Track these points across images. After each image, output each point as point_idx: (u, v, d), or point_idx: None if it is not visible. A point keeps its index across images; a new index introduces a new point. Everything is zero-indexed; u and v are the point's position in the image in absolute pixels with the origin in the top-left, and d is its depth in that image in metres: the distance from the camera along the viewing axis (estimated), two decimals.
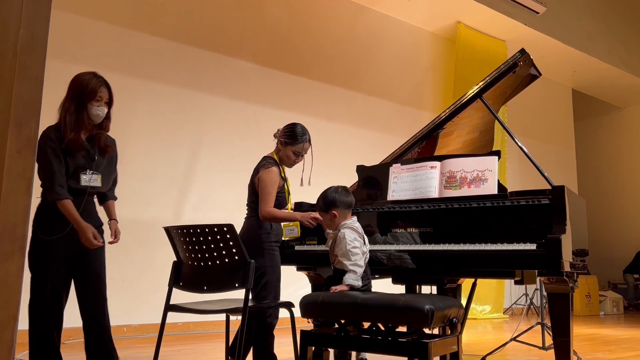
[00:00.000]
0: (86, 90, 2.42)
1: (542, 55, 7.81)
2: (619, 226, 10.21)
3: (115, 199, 2.78)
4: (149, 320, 5.01)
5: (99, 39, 5.12)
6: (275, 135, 3.13)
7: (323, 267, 3.11)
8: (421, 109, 7.59)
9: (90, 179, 2.45)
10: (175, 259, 2.61)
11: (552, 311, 2.49)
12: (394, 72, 7.48)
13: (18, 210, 2.00)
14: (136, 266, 5.07)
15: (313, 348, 2.37)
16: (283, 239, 2.99)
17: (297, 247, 3.04)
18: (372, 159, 3.37)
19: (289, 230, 3.00)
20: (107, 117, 2.53)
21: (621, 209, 10.39)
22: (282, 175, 3.00)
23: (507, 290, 8.04)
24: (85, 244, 2.39)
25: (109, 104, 2.52)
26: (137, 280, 5.05)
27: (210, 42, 5.86)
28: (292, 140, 3.02)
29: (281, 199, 2.94)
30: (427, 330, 2.34)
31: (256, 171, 2.99)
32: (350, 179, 3.46)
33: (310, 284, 3.24)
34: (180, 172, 5.52)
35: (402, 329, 2.37)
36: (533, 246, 2.34)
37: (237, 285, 2.37)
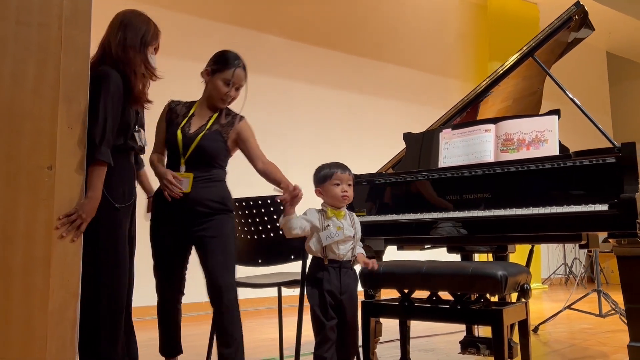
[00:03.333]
0: (150, 31, 2.04)
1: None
2: None
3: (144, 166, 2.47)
4: (189, 299, 5.00)
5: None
6: (201, 74, 2.46)
7: (372, 239, 3.02)
8: (451, 77, 7.39)
9: (144, 139, 2.12)
10: None
11: (623, 275, 2.36)
12: (423, 41, 7.28)
13: (73, 186, 1.96)
14: None
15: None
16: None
17: None
18: (405, 129, 3.24)
19: (182, 184, 2.23)
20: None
21: None
22: (189, 112, 2.39)
23: (544, 261, 7.89)
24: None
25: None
26: None
27: (238, 18, 5.75)
28: (221, 65, 2.39)
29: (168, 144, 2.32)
30: (492, 299, 2.25)
31: None
32: (386, 150, 3.36)
33: None
34: None
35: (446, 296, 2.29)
36: (605, 207, 2.22)
37: (293, 257, 2.32)
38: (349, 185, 2.19)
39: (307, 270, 2.18)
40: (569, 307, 3.82)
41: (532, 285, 7.25)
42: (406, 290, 2.21)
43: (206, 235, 2.18)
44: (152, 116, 2.41)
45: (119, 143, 1.98)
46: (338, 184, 2.16)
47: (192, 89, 5.66)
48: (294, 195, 2.08)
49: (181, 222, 2.21)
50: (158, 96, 2.26)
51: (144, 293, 4.91)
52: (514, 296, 2.42)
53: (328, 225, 2.11)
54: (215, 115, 2.41)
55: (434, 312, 2.15)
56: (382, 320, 2.76)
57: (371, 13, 6.80)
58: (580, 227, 2.32)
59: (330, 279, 2.06)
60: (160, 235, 2.28)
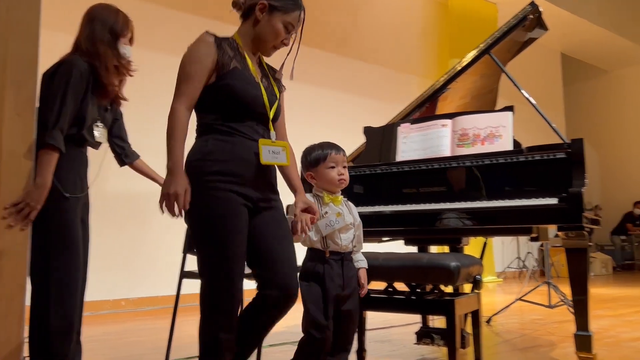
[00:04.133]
0: (119, 22, 1.98)
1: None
2: (606, 189, 10.32)
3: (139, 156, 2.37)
4: (147, 293, 4.94)
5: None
6: (239, 2, 1.80)
7: None
8: (412, 73, 7.49)
9: (101, 135, 2.03)
10: None
11: (570, 267, 2.46)
12: (385, 37, 7.34)
13: (21, 175, 1.89)
14: (131, 240, 4.97)
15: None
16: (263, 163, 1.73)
17: None
18: (364, 124, 3.27)
19: (269, 154, 1.76)
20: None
21: (608, 173, 10.50)
22: (236, 56, 1.76)
23: (499, 255, 8.11)
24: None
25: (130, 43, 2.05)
26: (133, 253, 4.95)
27: (198, 7, 5.65)
28: (288, 3, 1.77)
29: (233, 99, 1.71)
30: (446, 291, 2.30)
31: None
32: (345, 145, 3.36)
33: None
34: (159, 140, 5.38)
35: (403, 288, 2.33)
36: (554, 200, 2.29)
37: None
38: (344, 167, 1.95)
39: (302, 264, 1.90)
40: (520, 299, 3.94)
41: (487, 279, 7.48)
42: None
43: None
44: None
45: (72, 133, 1.91)
46: (333, 167, 1.92)
47: (149, 77, 5.54)
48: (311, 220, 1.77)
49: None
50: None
51: (98, 287, 4.81)
52: (468, 288, 2.48)
53: (326, 212, 1.86)
54: (265, 66, 1.94)
55: (389, 303, 2.18)
56: None
57: (334, 8, 6.81)
58: (530, 220, 2.39)
59: (333, 273, 1.83)
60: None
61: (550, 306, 3.78)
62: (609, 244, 10.02)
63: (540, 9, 3.04)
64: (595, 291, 6.26)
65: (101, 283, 4.68)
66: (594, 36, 9.08)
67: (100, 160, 2.15)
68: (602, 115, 10.78)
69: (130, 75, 2.01)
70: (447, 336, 1.97)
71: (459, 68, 3.11)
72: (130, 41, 2.04)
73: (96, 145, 2.06)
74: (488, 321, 3.80)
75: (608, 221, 10.11)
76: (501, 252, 8.25)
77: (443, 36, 7.68)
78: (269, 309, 1.68)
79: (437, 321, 3.08)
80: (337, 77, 6.76)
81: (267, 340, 1.96)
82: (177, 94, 1.69)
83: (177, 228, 5.11)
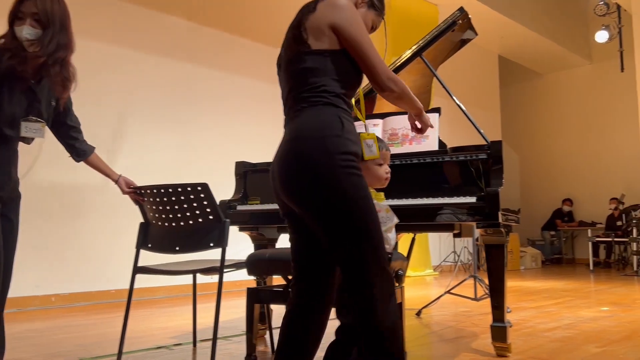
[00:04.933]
0: (14, 5, 1.84)
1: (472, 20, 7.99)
2: (538, 187, 10.86)
3: (94, 149, 2.33)
4: (80, 288, 4.81)
5: None
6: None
7: (266, 227, 3.08)
8: None
9: (33, 130, 1.92)
10: (143, 221, 2.51)
11: (489, 262, 2.61)
12: None
13: None
14: (62, 233, 4.82)
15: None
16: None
17: (239, 207, 2.99)
18: None
19: (368, 148, 1.71)
20: (43, 39, 1.81)
21: (540, 171, 11.05)
22: None
23: (436, 249, 8.39)
24: None
25: (42, 21, 1.81)
26: (64, 248, 4.81)
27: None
28: (381, 5, 1.79)
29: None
30: None
31: (309, 8, 1.56)
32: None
33: (253, 245, 3.21)
34: (107, 134, 5.25)
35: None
36: (473, 199, 2.42)
37: (212, 245, 2.32)
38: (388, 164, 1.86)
39: None
40: (448, 292, 4.11)
41: (424, 272, 7.71)
42: (290, 277, 2.27)
43: None
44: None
45: None
46: (382, 164, 1.81)
47: (84, 67, 5.36)
48: None
49: None
50: None
51: (27, 283, 4.65)
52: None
53: (379, 210, 1.62)
54: None
55: None
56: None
57: (279, 2, 6.81)
58: (453, 217, 2.51)
59: None
60: None
61: (476, 299, 3.97)
62: (540, 238, 10.55)
63: (470, 15, 3.17)
64: (523, 284, 6.60)
65: (30, 278, 4.52)
66: (528, 40, 9.50)
67: (36, 153, 2.09)
68: (536, 117, 11.31)
69: (39, 57, 1.84)
70: None
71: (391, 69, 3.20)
72: (21, 19, 1.82)
73: (27, 140, 1.99)
74: (418, 313, 3.95)
75: (539, 217, 10.64)
76: (438, 246, 8.54)
77: (383, 36, 7.82)
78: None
79: None
80: None
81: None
82: (381, 61, 1.54)
83: (112, 222, 5.02)
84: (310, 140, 1.45)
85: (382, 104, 3.71)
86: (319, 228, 1.47)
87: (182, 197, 2.33)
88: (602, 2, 8.87)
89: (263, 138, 6.13)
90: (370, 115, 3.04)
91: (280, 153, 1.53)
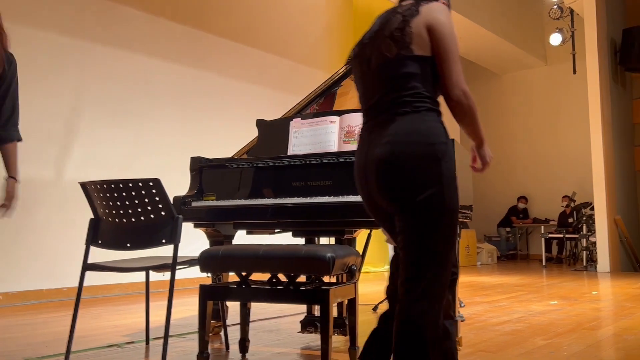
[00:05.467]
0: None
1: None
2: (494, 185, 11.13)
3: (15, 140, 2.21)
4: (29, 286, 4.66)
5: None
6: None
7: (222, 224, 3.05)
8: (317, 68, 7.61)
9: None
10: (93, 217, 2.45)
11: None
12: (291, 28, 7.39)
13: None
14: (10, 229, 4.65)
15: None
16: None
17: (194, 203, 2.95)
18: (267, 116, 3.32)
19: None
20: None
21: (496, 170, 11.33)
22: None
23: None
24: None
25: None
26: (12, 244, 4.65)
27: None
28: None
29: None
30: (326, 279, 2.40)
31: (412, 10, 1.57)
32: (244, 134, 3.41)
33: (208, 241, 3.17)
34: (60, 127, 5.09)
35: (302, 279, 2.41)
36: None
37: (164, 241, 2.29)
38: None
39: None
40: None
41: (382, 268, 7.80)
42: (244, 273, 2.27)
43: None
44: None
45: None
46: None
47: (36, 57, 5.20)
48: None
49: None
50: None
51: None
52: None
53: None
54: None
55: (269, 293, 2.23)
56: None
57: None
58: None
59: None
60: None
61: None
62: (496, 235, 10.83)
63: None
64: (479, 279, 6.77)
65: None
66: (487, 41, 9.72)
67: None
68: (494, 116, 11.58)
69: None
70: (321, 324, 2.06)
71: (343, 71, 3.25)
72: None
73: None
74: (375, 308, 4.00)
75: (495, 214, 10.92)
76: None
77: (348, 32, 7.87)
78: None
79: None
80: (241, 67, 6.72)
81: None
82: (460, 71, 1.54)
83: (63, 217, 4.88)
84: (421, 146, 1.50)
85: (343, 101, 3.74)
86: (408, 229, 1.51)
87: (134, 193, 2.29)
88: (556, 6, 9.16)
89: (221, 133, 6.08)
90: (328, 112, 3.05)
91: (382, 154, 1.53)
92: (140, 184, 2.28)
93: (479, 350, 2.68)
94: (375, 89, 1.60)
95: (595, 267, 7.94)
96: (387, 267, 7.92)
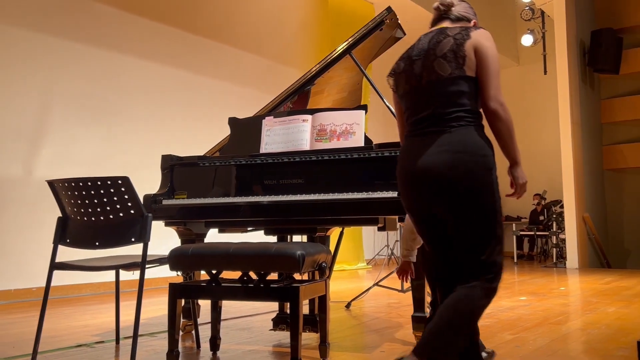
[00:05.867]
0: None
1: (404, 20, 8.17)
2: None
3: None
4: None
5: None
6: (452, 4, 1.91)
7: (194, 222, 3.04)
8: (292, 66, 7.61)
9: None
10: (61, 215, 2.42)
11: None
12: (264, 26, 7.37)
13: None
14: None
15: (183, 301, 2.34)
16: None
17: (165, 202, 2.93)
18: (242, 114, 3.32)
19: None
20: None
21: None
22: None
23: (370, 243, 8.57)
24: None
25: None
26: None
27: None
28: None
29: None
30: (297, 277, 2.42)
31: (463, 35, 1.77)
32: (219, 132, 3.40)
33: (180, 240, 3.16)
34: (29, 124, 4.99)
35: (274, 277, 2.43)
36: (394, 194, 2.50)
37: (133, 240, 2.27)
38: None
39: None
40: (377, 284, 4.22)
41: (357, 266, 7.85)
42: (214, 271, 2.27)
43: None
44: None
45: None
46: None
47: (4, 54, 5.09)
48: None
49: None
50: None
51: None
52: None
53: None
54: None
55: (239, 291, 2.24)
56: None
57: None
58: (375, 211, 2.58)
59: None
60: None
61: (402, 290, 4.09)
62: None
63: (397, 15, 3.26)
64: None
65: None
66: None
67: None
68: None
69: None
70: (291, 321, 2.08)
71: (318, 68, 3.26)
72: None
73: None
74: (348, 306, 4.03)
75: None
76: (372, 240, 8.72)
77: (323, 31, 7.89)
78: None
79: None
80: (215, 65, 6.68)
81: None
82: (499, 87, 1.73)
83: (32, 216, 4.79)
84: (476, 157, 1.71)
85: (318, 100, 3.76)
86: (465, 229, 1.74)
87: (102, 191, 2.27)
88: (527, 7, 9.33)
89: (195, 131, 6.05)
90: (300, 111, 3.06)
91: (441, 162, 1.71)
92: (109, 182, 2.26)
93: None
94: (426, 104, 1.78)
95: (565, 264, 8.13)
96: (361, 265, 7.99)
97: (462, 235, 1.75)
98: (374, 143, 2.77)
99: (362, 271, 7.66)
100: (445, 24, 1.87)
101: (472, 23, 1.90)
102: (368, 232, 8.43)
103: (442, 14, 1.90)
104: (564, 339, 2.89)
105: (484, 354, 1.97)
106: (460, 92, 1.73)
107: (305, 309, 3.10)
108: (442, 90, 1.75)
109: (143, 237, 2.28)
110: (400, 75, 1.87)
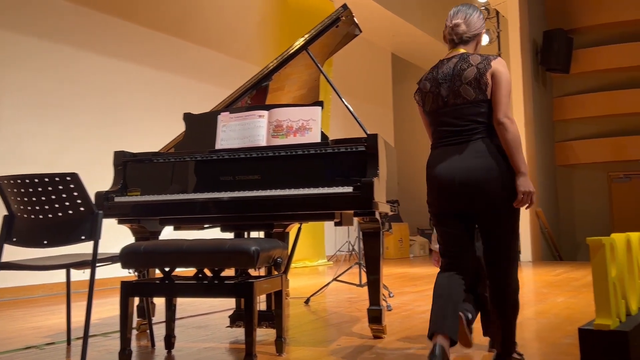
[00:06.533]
0: None
1: (366, 18, 8.25)
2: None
3: None
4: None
5: None
6: (460, 29, 2.17)
7: (148, 220, 2.99)
8: (252, 63, 7.56)
9: None
10: (7, 213, 2.31)
11: (366, 249, 2.74)
12: (226, 23, 7.30)
13: None
14: None
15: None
16: None
17: (117, 199, 2.87)
18: (201, 111, 3.28)
19: None
20: None
21: None
22: None
23: (331, 239, 8.62)
24: None
25: None
26: None
27: None
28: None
29: None
30: (253, 272, 2.41)
31: (485, 65, 2.06)
32: (178, 129, 3.35)
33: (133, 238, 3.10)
34: None
35: (231, 273, 2.42)
36: (350, 189, 2.52)
37: (83, 237, 2.21)
38: None
39: None
40: (335, 279, 4.25)
41: (317, 262, 7.88)
42: (167, 269, 2.24)
43: None
44: None
45: None
46: None
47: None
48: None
49: None
50: None
51: None
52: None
53: None
54: None
55: (193, 288, 2.22)
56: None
57: None
58: (331, 206, 2.60)
59: None
60: None
61: (360, 285, 4.14)
62: (428, 228, 11.17)
63: (353, 12, 3.28)
64: (410, 270, 6.98)
65: None
66: (419, 40, 9.99)
67: None
68: None
69: None
70: (245, 316, 2.07)
71: (276, 64, 3.26)
72: None
73: None
74: (307, 301, 4.05)
75: (427, 208, 11.24)
76: (334, 236, 8.76)
77: (283, 28, 7.87)
78: None
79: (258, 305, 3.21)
80: (174, 61, 6.57)
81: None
82: (509, 105, 2.03)
83: None
84: (503, 160, 2.01)
85: (278, 96, 3.74)
86: (500, 225, 2.03)
87: (50, 188, 2.21)
88: (483, 7, 9.54)
89: (153, 127, 5.94)
90: (256, 107, 3.04)
91: (474, 166, 2.01)
92: (57, 179, 2.20)
93: (403, 337, 2.77)
94: (452, 121, 2.09)
95: (519, 257, 8.38)
96: (322, 261, 8.02)
97: (491, 238, 2.07)
98: (330, 139, 2.79)
99: (323, 267, 7.69)
100: (462, 48, 2.17)
101: (480, 36, 2.22)
102: (330, 229, 8.47)
103: (455, 39, 2.17)
104: None
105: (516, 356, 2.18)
106: (482, 113, 2.05)
107: (263, 305, 3.11)
108: (468, 111, 2.06)
109: (94, 235, 2.24)
110: (428, 95, 2.18)
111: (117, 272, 3.04)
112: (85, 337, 2.16)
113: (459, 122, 2.07)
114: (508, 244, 2.05)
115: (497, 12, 9.86)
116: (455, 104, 2.08)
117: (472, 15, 2.19)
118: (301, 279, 6.07)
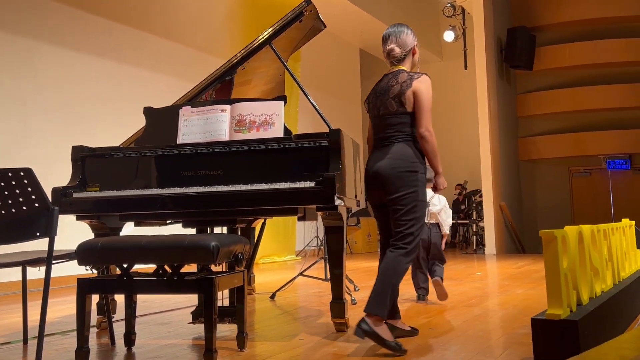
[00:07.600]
0: None
1: (334, 14, 8.26)
2: None
3: None
4: None
5: None
6: (395, 52, 2.57)
7: (107, 216, 2.93)
8: (218, 56, 7.47)
9: None
10: None
11: (329, 244, 2.75)
12: (191, 15, 7.20)
13: None
14: None
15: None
16: None
17: (75, 194, 2.81)
18: (165, 104, 3.23)
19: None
20: None
21: None
22: None
23: (300, 235, 8.63)
24: None
25: None
26: None
27: None
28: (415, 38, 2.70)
29: None
30: (215, 268, 2.39)
31: (408, 83, 2.47)
32: (142, 124, 3.29)
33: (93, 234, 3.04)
34: None
35: (193, 269, 2.39)
36: (312, 184, 2.52)
37: (38, 234, 2.15)
38: None
39: None
40: (301, 274, 4.26)
41: (286, 258, 7.88)
42: (125, 265, 2.20)
43: None
44: None
45: None
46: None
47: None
48: None
49: None
50: None
51: None
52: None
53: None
54: None
55: (152, 284, 2.19)
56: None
57: None
58: (294, 201, 2.60)
59: None
60: None
61: (326, 279, 4.15)
62: None
63: (316, 6, 3.28)
64: (377, 264, 7.03)
65: None
66: None
67: None
68: None
69: None
70: (205, 312, 2.06)
71: (239, 57, 3.23)
72: None
73: None
74: (272, 296, 4.04)
75: None
76: (303, 231, 8.77)
77: (250, 22, 7.80)
78: None
79: (220, 301, 3.19)
80: (137, 53, 6.45)
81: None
82: (429, 119, 2.45)
83: None
84: (406, 162, 2.43)
85: (245, 90, 3.71)
86: (400, 211, 2.42)
87: (2, 183, 2.15)
88: (449, 4, 9.66)
89: (114, 121, 5.82)
90: (219, 101, 3.01)
91: (386, 165, 2.45)
92: (10, 174, 2.14)
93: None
94: (382, 128, 2.53)
95: (484, 250, 8.55)
96: (290, 257, 8.03)
97: (393, 215, 2.44)
98: (293, 134, 2.79)
99: (292, 262, 7.70)
100: (400, 65, 2.58)
101: (414, 49, 2.62)
102: (300, 224, 8.47)
103: (393, 61, 2.58)
104: (474, 320, 3.04)
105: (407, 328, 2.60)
106: (402, 122, 2.47)
107: (226, 301, 3.10)
108: (392, 121, 2.49)
109: (49, 231, 2.19)
110: (371, 105, 2.60)
111: (79, 270, 2.98)
112: (41, 335, 2.11)
113: (385, 130, 2.50)
114: (404, 226, 2.43)
115: (463, 9, 10.00)
116: (384, 114, 2.51)
117: (402, 35, 2.57)
118: (269, 274, 6.06)
